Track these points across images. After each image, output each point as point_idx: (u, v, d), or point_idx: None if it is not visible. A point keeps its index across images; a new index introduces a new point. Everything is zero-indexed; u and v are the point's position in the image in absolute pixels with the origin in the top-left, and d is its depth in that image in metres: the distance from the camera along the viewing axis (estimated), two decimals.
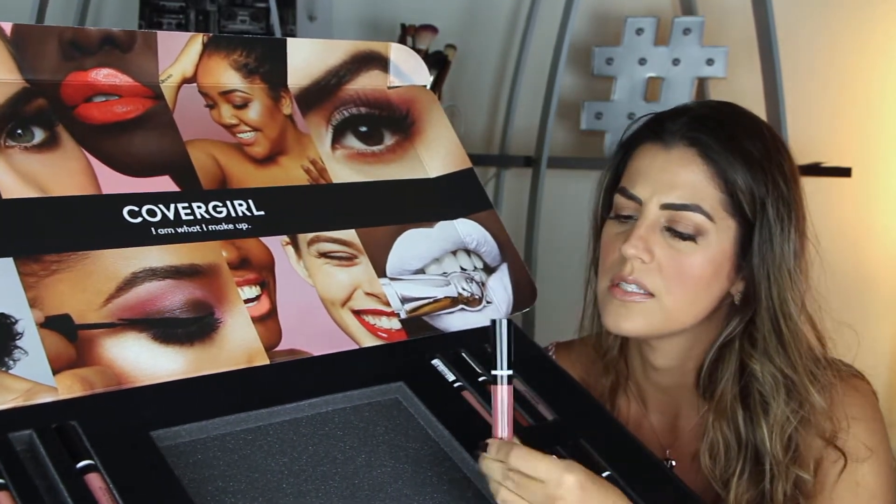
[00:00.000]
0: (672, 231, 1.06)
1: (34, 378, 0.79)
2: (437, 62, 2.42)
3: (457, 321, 1.05)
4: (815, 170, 2.54)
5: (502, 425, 0.87)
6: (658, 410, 1.17)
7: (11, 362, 0.79)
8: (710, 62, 2.52)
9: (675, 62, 2.52)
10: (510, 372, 0.87)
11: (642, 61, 2.53)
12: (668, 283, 1.05)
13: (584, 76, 2.66)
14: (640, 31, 2.53)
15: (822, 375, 1.07)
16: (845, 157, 2.61)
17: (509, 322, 0.87)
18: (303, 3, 2.54)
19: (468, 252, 1.11)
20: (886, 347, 2.73)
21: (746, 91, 2.57)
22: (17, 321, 0.81)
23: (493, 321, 0.87)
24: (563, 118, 2.63)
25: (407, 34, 2.47)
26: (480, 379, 0.99)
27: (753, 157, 1.06)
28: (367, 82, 1.16)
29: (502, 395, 0.87)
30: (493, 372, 0.87)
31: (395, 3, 2.62)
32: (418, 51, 2.40)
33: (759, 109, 2.46)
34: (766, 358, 1.06)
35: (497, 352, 0.87)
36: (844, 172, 2.58)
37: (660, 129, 1.09)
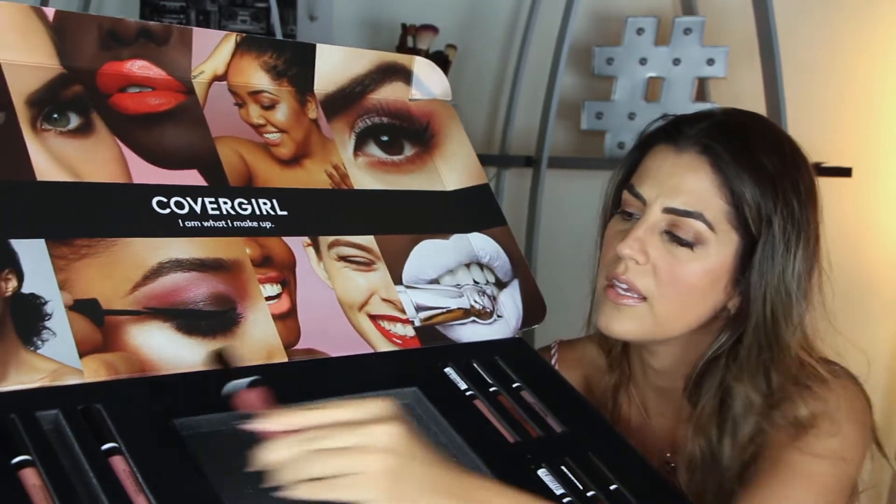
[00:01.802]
0: (671, 235, 1.05)
1: (61, 360, 0.79)
2: (438, 62, 2.43)
3: (468, 333, 1.07)
4: (816, 170, 2.52)
5: None
6: (658, 414, 1.17)
7: (40, 342, 0.79)
8: (710, 62, 2.52)
9: (676, 62, 2.53)
10: None
11: (643, 61, 2.54)
12: (660, 288, 1.05)
13: (585, 76, 2.67)
14: (640, 31, 2.54)
15: (801, 392, 1.05)
16: (845, 157, 2.62)
17: None
18: (303, 3, 2.55)
19: (481, 266, 1.12)
20: (886, 347, 2.74)
21: (746, 91, 2.59)
22: (46, 302, 0.81)
23: None
24: (564, 118, 2.64)
25: (407, 34, 2.48)
26: (491, 389, 1.00)
27: (765, 172, 1.05)
28: (389, 93, 1.17)
29: None
30: None
31: (395, 3, 2.62)
32: (418, 51, 2.42)
33: (760, 109, 2.44)
34: (745, 377, 1.05)
35: None
36: (844, 172, 2.58)
37: (676, 132, 1.08)
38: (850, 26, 2.72)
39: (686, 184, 1.05)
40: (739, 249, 1.05)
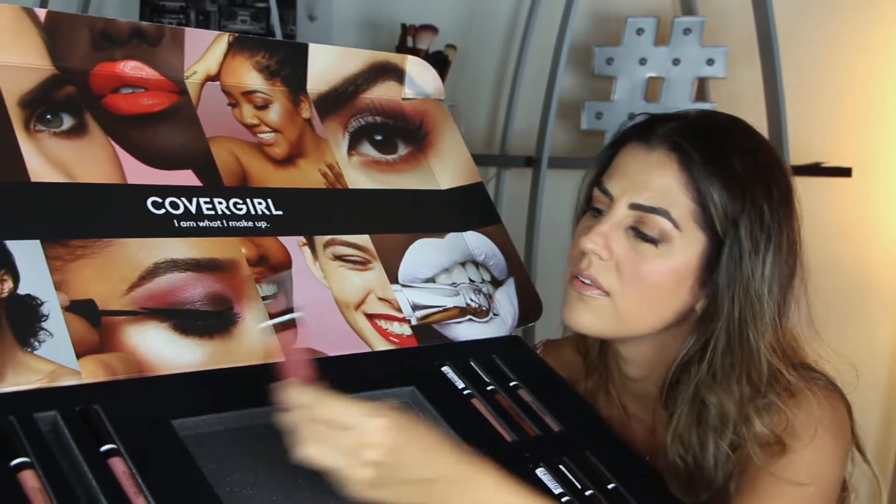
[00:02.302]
0: (636, 231, 1.04)
1: (58, 360, 0.79)
2: (437, 62, 2.42)
3: (464, 331, 1.06)
4: (815, 170, 2.55)
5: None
6: (637, 417, 1.17)
7: (37, 343, 0.78)
8: (710, 62, 2.52)
9: (676, 62, 2.53)
10: None
11: (642, 61, 2.54)
12: (622, 285, 1.04)
13: (585, 76, 2.66)
14: (640, 31, 2.53)
15: (777, 398, 1.03)
16: (845, 157, 2.61)
17: None
18: (303, 3, 2.54)
19: (476, 264, 1.12)
20: (886, 347, 2.74)
21: (746, 91, 2.58)
22: (42, 303, 0.80)
23: None
24: (564, 118, 2.63)
25: (407, 34, 2.48)
26: (489, 388, 1.00)
27: (735, 174, 1.04)
28: (382, 92, 1.17)
29: None
30: None
31: (395, 3, 2.61)
32: (418, 51, 2.42)
33: (760, 109, 2.46)
34: (715, 383, 1.04)
35: None
36: (844, 172, 2.58)
37: (649, 130, 1.08)
38: (850, 26, 2.71)
39: (653, 180, 1.04)
40: (706, 250, 1.04)
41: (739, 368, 1.03)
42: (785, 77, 2.43)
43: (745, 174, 1.04)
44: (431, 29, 2.46)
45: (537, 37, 2.61)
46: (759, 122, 2.46)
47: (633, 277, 1.03)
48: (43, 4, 2.20)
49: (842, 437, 1.05)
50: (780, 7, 2.44)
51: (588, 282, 1.04)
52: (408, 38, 2.47)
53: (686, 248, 1.04)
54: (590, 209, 1.10)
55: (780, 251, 1.04)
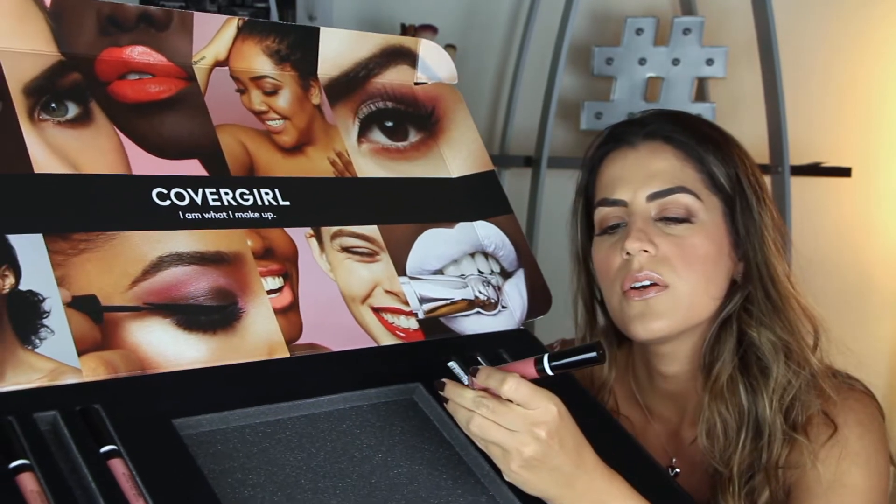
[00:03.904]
0: (665, 219, 1.07)
1: (59, 358, 0.78)
2: None
3: (472, 324, 1.05)
4: (815, 170, 2.56)
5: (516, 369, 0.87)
6: (662, 418, 1.17)
7: (38, 341, 0.78)
8: (709, 62, 2.52)
9: (675, 62, 2.53)
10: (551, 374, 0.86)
11: (642, 61, 2.54)
12: (678, 271, 1.05)
13: (584, 76, 2.66)
14: (639, 31, 2.53)
15: (816, 340, 1.09)
16: (845, 157, 2.63)
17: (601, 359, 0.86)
18: (302, 3, 2.53)
19: (486, 255, 1.11)
20: (886, 347, 2.76)
21: (746, 91, 2.59)
22: (44, 299, 0.80)
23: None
24: (563, 118, 2.63)
25: (407, 34, 2.46)
26: None
27: (715, 139, 1.11)
28: (394, 77, 1.15)
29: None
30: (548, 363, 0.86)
31: (395, 3, 2.61)
32: None
33: (760, 109, 2.47)
34: (762, 325, 1.07)
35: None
36: (844, 172, 2.60)
37: (620, 135, 1.13)
38: (850, 26, 2.71)
39: (655, 167, 1.09)
40: (724, 211, 1.09)
41: (780, 306, 1.08)
42: (785, 77, 2.44)
43: (720, 138, 1.12)
44: (431, 29, 2.45)
45: (537, 37, 2.60)
46: (759, 122, 2.47)
47: (684, 260, 1.06)
48: None
49: (882, 442, 1.08)
50: (780, 7, 2.44)
51: (644, 283, 1.05)
52: None
53: (711, 214, 1.08)
54: (601, 233, 1.10)
55: (773, 204, 1.12)
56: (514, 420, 0.82)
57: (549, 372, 0.85)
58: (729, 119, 2.45)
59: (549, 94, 2.48)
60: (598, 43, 2.60)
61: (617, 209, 1.09)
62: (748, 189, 1.09)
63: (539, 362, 0.85)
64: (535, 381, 0.85)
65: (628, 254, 1.06)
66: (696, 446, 1.12)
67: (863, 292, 2.71)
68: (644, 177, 1.08)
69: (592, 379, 1.20)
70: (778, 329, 1.07)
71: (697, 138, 1.09)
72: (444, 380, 0.87)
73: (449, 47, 2.48)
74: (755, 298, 1.08)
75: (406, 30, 2.46)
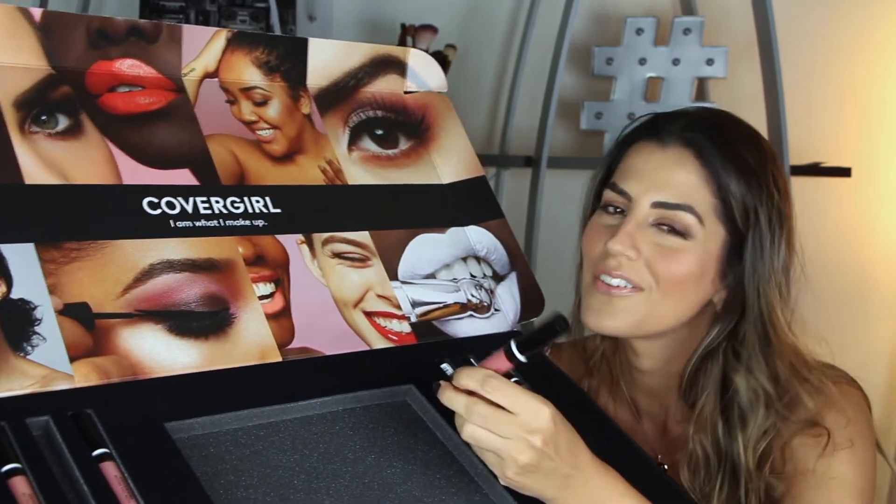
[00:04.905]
0: (661, 226, 1.06)
1: (51, 365, 0.79)
2: (437, 62, 2.43)
3: (465, 327, 1.06)
4: (815, 170, 2.56)
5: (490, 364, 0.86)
6: (649, 415, 1.17)
7: (30, 348, 0.79)
8: (710, 62, 2.53)
9: (675, 62, 2.53)
10: (523, 359, 0.85)
11: (642, 61, 2.54)
12: (656, 278, 1.05)
13: (584, 76, 2.67)
14: (640, 31, 2.54)
15: (805, 382, 1.06)
16: (845, 157, 2.63)
17: (566, 327, 0.85)
18: (303, 2, 2.55)
19: (478, 259, 1.12)
20: (886, 347, 2.75)
21: (746, 91, 2.59)
22: (36, 307, 0.81)
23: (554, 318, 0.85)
24: (563, 118, 2.64)
25: (407, 34, 2.48)
26: None
27: (749, 165, 1.06)
28: (384, 86, 1.16)
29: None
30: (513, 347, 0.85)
31: (395, 3, 2.62)
32: None
33: (759, 109, 2.47)
34: (749, 372, 1.06)
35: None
36: (844, 172, 2.60)
37: (657, 128, 1.09)
38: (850, 26, 2.72)
39: (674, 177, 1.06)
40: (725, 243, 1.06)
41: (770, 353, 1.06)
42: (785, 77, 2.45)
43: (756, 165, 1.07)
44: (431, 29, 2.46)
45: (537, 37, 2.61)
46: (759, 122, 2.47)
47: (665, 270, 1.05)
48: (42, 5, 2.20)
49: (872, 431, 1.09)
50: (780, 7, 2.45)
51: (617, 283, 1.04)
52: (407, 38, 2.47)
53: (708, 241, 1.06)
54: (601, 207, 1.10)
55: (790, 237, 1.08)
56: (507, 428, 0.82)
57: (522, 358, 0.84)
58: None
59: (549, 94, 2.49)
60: (598, 43, 2.61)
61: (622, 198, 1.09)
62: (765, 228, 1.05)
63: (508, 351, 0.85)
64: (518, 371, 0.85)
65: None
66: (681, 444, 1.13)
67: (863, 292, 2.71)
68: (658, 182, 1.06)
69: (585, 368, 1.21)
70: (763, 378, 1.05)
71: (729, 160, 1.05)
72: (440, 382, 0.86)
73: (449, 47, 2.49)
74: (747, 341, 1.06)
75: (406, 30, 2.47)
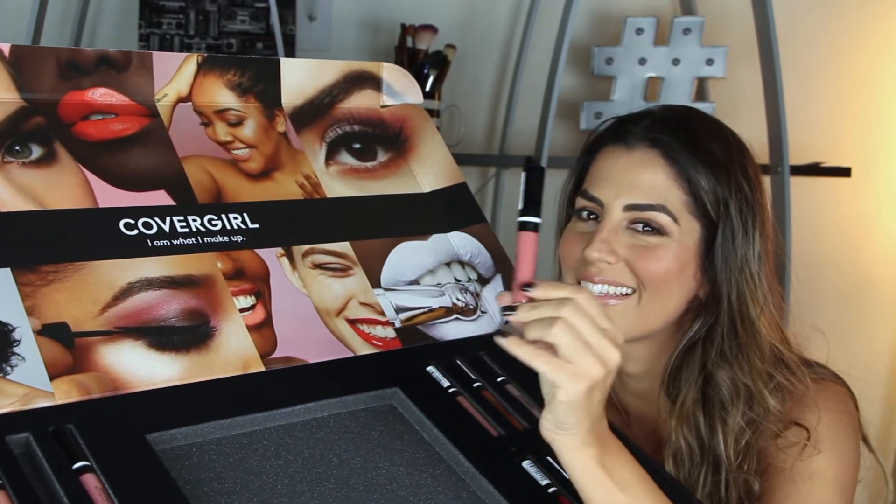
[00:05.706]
0: (636, 227, 1.06)
1: (31, 383, 0.80)
2: (437, 62, 2.44)
3: (451, 330, 1.06)
4: (815, 170, 2.56)
5: (524, 271, 0.85)
6: (638, 417, 1.17)
7: (9, 368, 0.80)
8: (710, 62, 2.53)
9: (675, 62, 2.53)
10: (537, 220, 0.85)
11: (642, 61, 2.54)
12: (640, 278, 1.06)
13: (584, 76, 2.68)
14: (640, 31, 2.54)
15: (783, 377, 1.05)
16: (845, 157, 2.62)
17: (541, 170, 0.84)
18: (303, 2, 2.57)
19: (462, 263, 1.12)
20: (886, 347, 2.73)
21: (746, 91, 2.59)
22: (14, 328, 0.82)
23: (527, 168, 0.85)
24: (563, 118, 2.64)
25: (407, 34, 2.49)
26: (475, 385, 0.99)
27: (716, 159, 1.07)
28: (360, 101, 1.18)
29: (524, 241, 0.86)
30: (520, 218, 0.84)
31: (395, 3, 2.64)
32: (418, 51, 2.43)
33: (759, 109, 2.47)
34: (725, 362, 1.06)
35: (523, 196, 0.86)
36: (844, 172, 2.59)
37: (622, 131, 1.11)
38: (850, 26, 2.72)
39: (643, 179, 1.06)
40: (701, 237, 1.07)
41: (745, 344, 1.05)
42: (785, 77, 2.44)
43: (724, 157, 1.08)
44: (431, 29, 2.48)
45: (537, 37, 2.62)
46: (759, 122, 2.48)
47: (645, 269, 1.05)
48: (40, 13, 2.23)
49: (854, 427, 1.07)
50: (780, 7, 2.45)
51: (600, 290, 1.05)
52: (407, 38, 2.48)
53: (684, 237, 1.06)
54: (575, 213, 1.11)
55: (764, 228, 1.06)
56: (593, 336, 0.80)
57: (536, 219, 0.85)
58: (729, 119, 2.45)
59: (549, 94, 2.48)
60: (598, 43, 2.61)
61: (593, 204, 1.10)
62: (736, 220, 1.06)
63: (522, 224, 0.86)
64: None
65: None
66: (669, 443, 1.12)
67: (863, 292, 2.69)
68: (628, 185, 1.08)
69: None
70: (738, 369, 1.05)
71: (696, 156, 1.06)
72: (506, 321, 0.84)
73: (449, 47, 2.50)
74: (720, 332, 1.06)
75: (406, 30, 2.48)
